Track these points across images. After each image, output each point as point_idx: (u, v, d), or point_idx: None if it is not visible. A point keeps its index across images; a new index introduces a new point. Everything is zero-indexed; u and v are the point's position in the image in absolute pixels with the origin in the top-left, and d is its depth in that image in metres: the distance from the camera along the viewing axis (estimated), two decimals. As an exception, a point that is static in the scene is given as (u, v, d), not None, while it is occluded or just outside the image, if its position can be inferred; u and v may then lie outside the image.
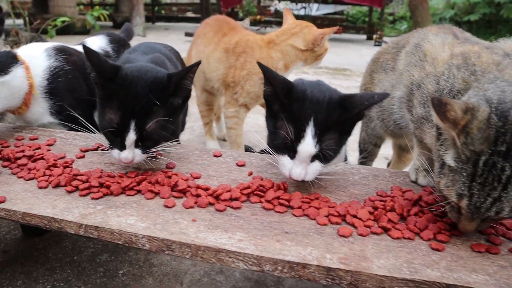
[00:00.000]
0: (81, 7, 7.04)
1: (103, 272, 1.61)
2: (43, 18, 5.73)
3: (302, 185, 1.22)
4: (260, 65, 1.16)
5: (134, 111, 1.18)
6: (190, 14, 11.22)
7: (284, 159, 1.16)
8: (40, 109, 1.62)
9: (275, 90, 1.15)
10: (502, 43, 1.21)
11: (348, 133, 1.19)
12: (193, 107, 3.88)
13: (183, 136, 3.31)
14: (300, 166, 1.13)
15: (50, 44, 1.74)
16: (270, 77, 1.15)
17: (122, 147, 1.22)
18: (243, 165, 1.34)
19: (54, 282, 1.54)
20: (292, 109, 1.12)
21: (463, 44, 1.19)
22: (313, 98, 1.13)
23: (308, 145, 1.10)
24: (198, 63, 1.24)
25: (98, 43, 2.00)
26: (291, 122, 1.12)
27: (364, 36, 13.68)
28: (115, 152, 1.23)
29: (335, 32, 2.62)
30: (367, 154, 1.90)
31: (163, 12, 11.91)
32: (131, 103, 1.19)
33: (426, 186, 1.24)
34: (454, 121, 0.91)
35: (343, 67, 6.21)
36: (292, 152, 1.14)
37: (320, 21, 14.80)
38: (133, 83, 1.20)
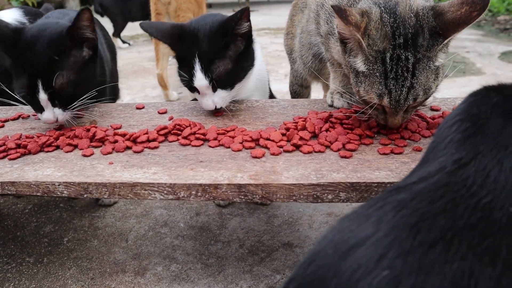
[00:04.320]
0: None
1: (47, 242, 1.61)
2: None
3: (221, 119, 1.26)
4: (142, 24, 1.24)
5: (38, 70, 1.18)
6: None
7: (197, 96, 1.26)
8: None
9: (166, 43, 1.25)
10: None
11: (244, 53, 1.25)
12: (135, 80, 3.83)
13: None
14: (205, 98, 1.23)
15: None
16: (155, 32, 1.25)
17: (41, 109, 1.22)
18: (164, 113, 1.35)
19: (-3, 259, 1.53)
20: (183, 51, 1.22)
21: None
22: (193, 33, 1.21)
23: (199, 79, 1.19)
24: (86, 9, 1.23)
25: (12, 15, 1.91)
26: (185, 64, 1.21)
27: (307, -4, 13.62)
28: (39, 115, 1.24)
29: None
30: (296, 96, 1.95)
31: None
32: (34, 63, 1.19)
33: (341, 108, 1.29)
34: (356, 24, 0.97)
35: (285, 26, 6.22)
36: (196, 89, 1.22)
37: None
38: (32, 42, 1.20)
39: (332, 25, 1.19)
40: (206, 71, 1.19)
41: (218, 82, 1.21)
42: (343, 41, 1.05)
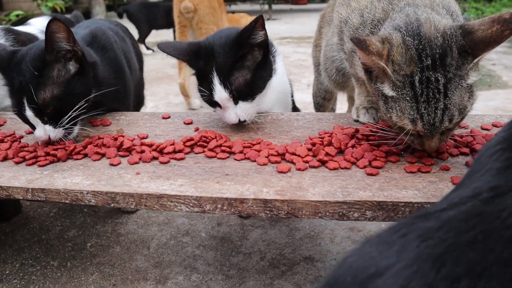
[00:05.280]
0: (39, 1, 6.86)
1: (71, 246, 1.64)
2: (-3, 15, 5.59)
3: (246, 132, 1.27)
4: (160, 45, 1.25)
5: (23, 87, 1.20)
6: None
7: (218, 111, 1.27)
8: (1, 91, 1.61)
9: (184, 60, 1.27)
10: None
11: (262, 64, 1.24)
12: (158, 87, 3.88)
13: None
14: (227, 111, 1.23)
15: None
16: (173, 51, 1.25)
17: (34, 127, 1.24)
18: (190, 123, 1.36)
19: (22, 261, 1.56)
20: (201, 67, 1.23)
21: None
22: (209, 48, 1.22)
23: (219, 92, 1.20)
24: (55, 19, 1.19)
25: (43, 23, 1.97)
26: (204, 79, 1.22)
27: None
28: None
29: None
30: (319, 107, 1.95)
31: (124, 0, 11.67)
32: (20, 81, 1.20)
33: (367, 123, 1.28)
34: (378, 53, 0.96)
35: (308, 35, 6.22)
36: (217, 103, 1.23)
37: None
38: (19, 61, 1.22)
39: None
40: (225, 83, 1.19)
41: (238, 93, 1.20)
42: (367, 70, 1.04)
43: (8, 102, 1.61)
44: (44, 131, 1.21)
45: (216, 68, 1.19)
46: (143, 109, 2.15)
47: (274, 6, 10.32)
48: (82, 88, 1.28)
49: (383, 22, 1.08)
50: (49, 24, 1.17)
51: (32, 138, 1.33)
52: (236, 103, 1.22)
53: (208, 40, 1.26)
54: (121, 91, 1.55)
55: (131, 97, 1.68)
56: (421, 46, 0.94)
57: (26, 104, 1.19)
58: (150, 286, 1.40)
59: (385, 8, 1.10)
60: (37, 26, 1.93)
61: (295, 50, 5.23)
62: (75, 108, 1.24)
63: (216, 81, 1.19)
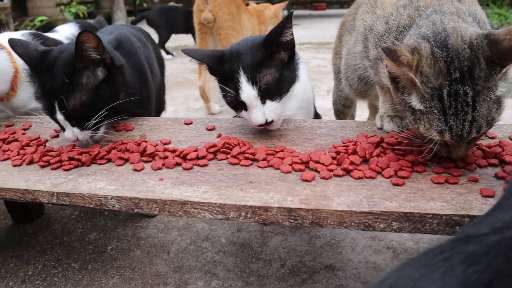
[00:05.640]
0: (62, 7, 7.00)
1: (92, 249, 1.65)
2: (22, 21, 5.71)
3: (269, 139, 1.26)
4: (184, 50, 1.26)
5: (54, 92, 1.22)
6: (172, 5, 11.14)
7: (243, 114, 1.25)
8: (27, 94, 1.65)
9: (208, 64, 1.27)
10: None
11: (288, 65, 1.25)
12: (178, 92, 3.91)
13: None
14: (255, 111, 1.21)
15: (25, 31, 1.78)
16: (197, 55, 1.27)
17: (63, 128, 1.27)
18: (212, 129, 1.37)
19: (45, 262, 1.58)
20: (225, 70, 1.23)
21: None
22: (235, 53, 1.23)
23: (246, 90, 1.19)
24: (86, 30, 1.21)
25: (69, 30, 2.02)
26: (229, 80, 1.22)
27: (349, 10, 13.52)
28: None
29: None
30: (339, 114, 1.94)
31: (144, 5, 11.83)
32: (51, 85, 1.23)
33: (391, 132, 1.26)
34: (408, 63, 0.95)
35: (327, 41, 6.20)
36: (243, 105, 1.22)
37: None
38: (51, 64, 1.25)
39: None
40: (253, 80, 1.18)
41: (266, 91, 1.19)
42: (394, 80, 1.03)
43: (33, 104, 1.65)
44: (72, 133, 1.25)
45: (243, 67, 1.18)
46: (163, 114, 2.16)
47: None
48: (110, 94, 1.31)
49: (409, 29, 1.07)
50: (79, 35, 1.20)
51: (60, 141, 1.35)
52: (263, 102, 1.21)
53: (233, 47, 1.27)
54: (144, 97, 1.56)
55: (153, 102, 1.69)
56: (449, 59, 0.92)
57: (57, 109, 1.23)
58: (170, 291, 1.40)
59: (411, 14, 1.09)
60: (63, 33, 1.97)
61: (314, 56, 5.21)
62: (100, 113, 1.27)
63: (243, 79, 1.18)
